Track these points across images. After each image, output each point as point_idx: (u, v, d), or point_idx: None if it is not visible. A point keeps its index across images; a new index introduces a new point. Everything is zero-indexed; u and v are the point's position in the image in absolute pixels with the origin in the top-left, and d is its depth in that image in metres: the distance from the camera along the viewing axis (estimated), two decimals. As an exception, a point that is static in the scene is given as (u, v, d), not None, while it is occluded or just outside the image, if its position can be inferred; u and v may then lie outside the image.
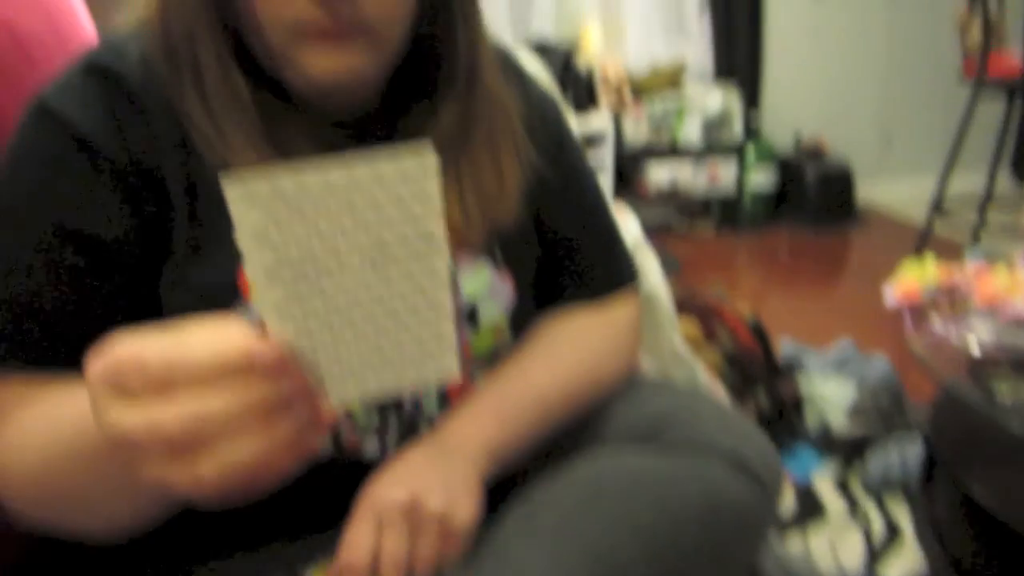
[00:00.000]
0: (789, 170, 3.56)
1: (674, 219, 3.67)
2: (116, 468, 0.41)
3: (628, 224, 1.20)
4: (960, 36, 2.79)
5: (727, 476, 0.58)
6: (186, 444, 0.32)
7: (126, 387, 0.32)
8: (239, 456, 0.32)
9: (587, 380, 0.67)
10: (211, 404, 0.32)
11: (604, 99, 3.35)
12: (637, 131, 3.40)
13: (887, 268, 2.70)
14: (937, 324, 1.25)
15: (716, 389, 1.38)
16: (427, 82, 0.63)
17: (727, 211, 3.61)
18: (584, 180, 0.74)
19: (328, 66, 0.53)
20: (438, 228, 0.36)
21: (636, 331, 0.74)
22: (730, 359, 1.59)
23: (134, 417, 0.32)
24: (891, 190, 3.90)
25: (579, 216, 0.73)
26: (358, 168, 0.33)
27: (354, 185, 0.33)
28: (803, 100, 3.75)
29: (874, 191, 3.82)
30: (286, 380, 0.34)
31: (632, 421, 0.65)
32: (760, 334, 1.64)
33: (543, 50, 3.16)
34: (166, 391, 0.32)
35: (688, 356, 1.28)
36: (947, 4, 3.62)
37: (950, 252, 2.55)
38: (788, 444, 1.62)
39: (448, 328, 0.39)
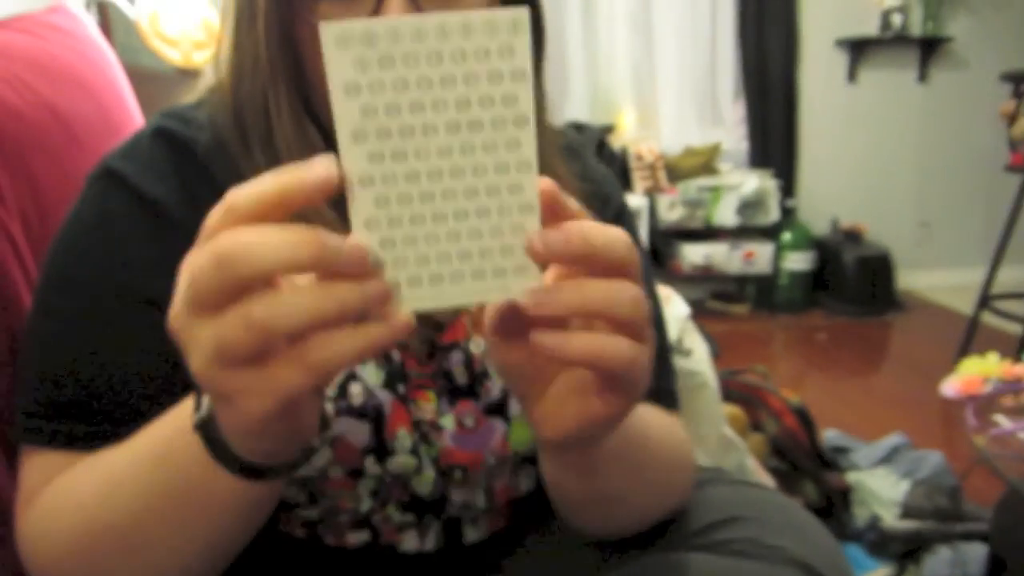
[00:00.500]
0: (826, 253, 3.53)
1: (707, 299, 3.63)
2: (184, 504, 0.41)
3: (675, 306, 1.17)
4: (1007, 125, 2.77)
5: None
6: (268, 345, 0.32)
7: (203, 301, 0.32)
8: (322, 355, 0.32)
9: (672, 457, 0.61)
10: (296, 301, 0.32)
11: (638, 178, 3.37)
12: (671, 211, 3.41)
13: (933, 358, 2.64)
14: (1002, 420, 1.18)
15: (764, 477, 1.31)
16: None
17: (763, 292, 3.57)
18: (646, 273, 0.71)
19: None
20: (524, 93, 0.34)
21: (691, 457, 0.68)
22: (775, 446, 1.53)
23: (216, 327, 0.32)
24: (931, 278, 3.83)
25: None
26: (449, 16, 0.33)
27: (442, 32, 0.33)
28: (839, 184, 3.75)
29: (914, 278, 3.76)
30: (367, 282, 0.33)
31: (699, 521, 0.60)
32: (806, 421, 1.58)
33: (578, 129, 3.21)
34: (247, 292, 0.32)
35: (737, 440, 1.23)
36: (983, 93, 3.64)
37: (999, 344, 2.47)
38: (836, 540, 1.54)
39: (533, 222, 0.35)
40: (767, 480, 1.31)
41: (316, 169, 0.32)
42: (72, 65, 0.74)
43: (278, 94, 0.52)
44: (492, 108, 0.34)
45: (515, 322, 0.37)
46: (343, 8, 0.50)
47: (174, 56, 1.22)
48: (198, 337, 0.32)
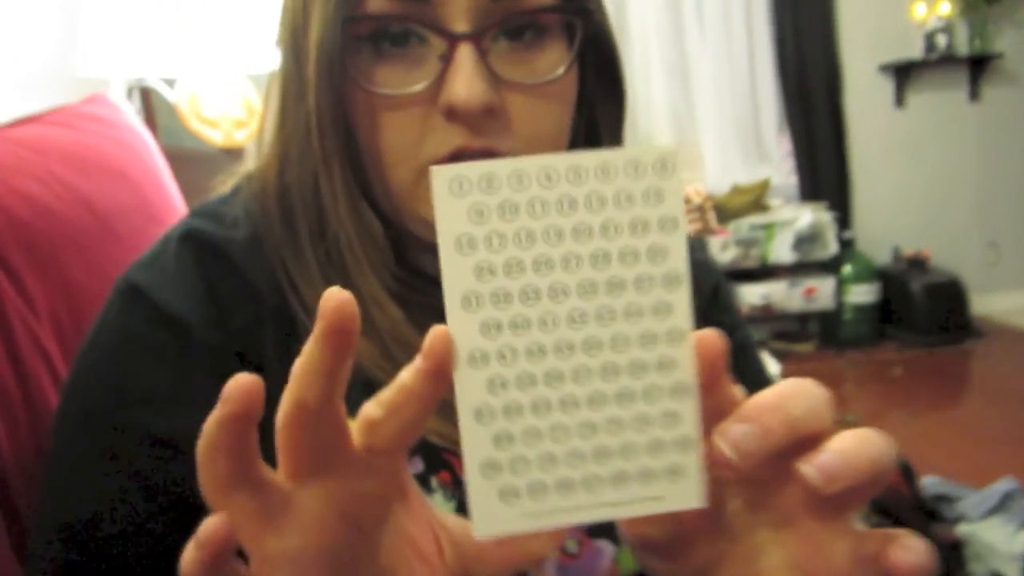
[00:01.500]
0: (891, 283, 3.37)
1: (769, 339, 3.49)
2: None
3: (769, 366, 1.07)
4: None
5: None
6: None
7: None
8: None
9: None
10: None
11: (687, 222, 3.29)
12: (724, 252, 3.31)
13: (1020, 383, 2.46)
14: None
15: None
16: None
17: (827, 328, 3.42)
18: (752, 350, 0.62)
19: None
20: (676, 246, 0.28)
21: None
22: (876, 504, 1.39)
23: None
24: (1006, 300, 3.64)
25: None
26: (584, 156, 0.28)
27: (576, 174, 0.28)
28: (898, 212, 3.61)
29: (988, 302, 3.57)
30: None
31: None
32: (906, 471, 1.45)
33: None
34: None
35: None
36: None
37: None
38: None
39: (689, 409, 0.28)
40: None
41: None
42: (110, 156, 0.70)
43: (332, 175, 0.45)
44: (636, 265, 0.28)
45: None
46: (404, 71, 0.44)
47: (215, 137, 1.20)
48: None
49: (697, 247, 0.63)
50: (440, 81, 0.42)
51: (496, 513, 0.28)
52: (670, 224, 0.28)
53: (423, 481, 0.46)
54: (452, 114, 0.43)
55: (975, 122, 3.62)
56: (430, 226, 0.46)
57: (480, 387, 0.28)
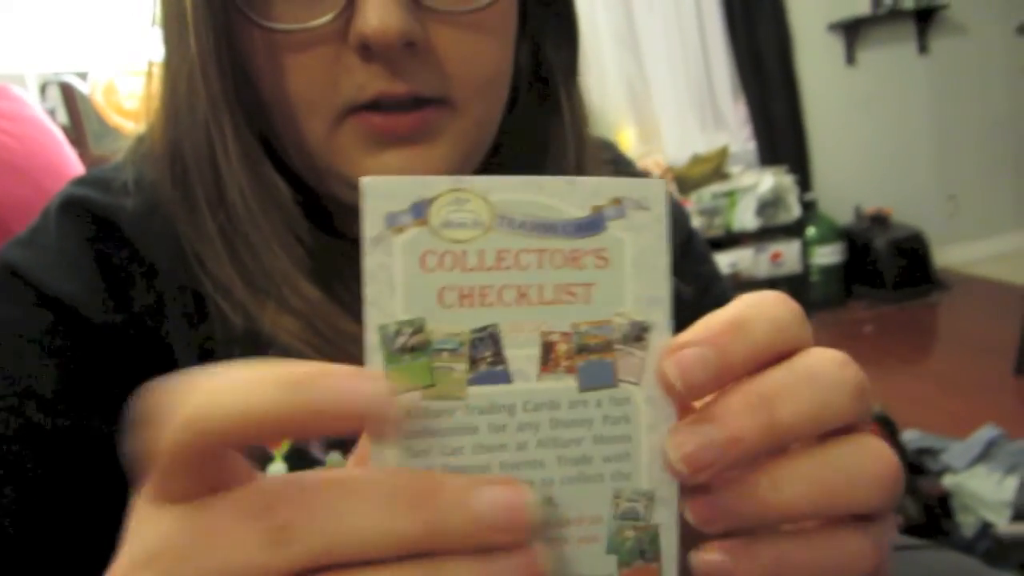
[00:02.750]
0: (856, 242, 3.38)
1: (740, 308, 3.48)
2: None
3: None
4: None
5: None
6: None
7: None
8: None
9: None
10: None
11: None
12: (688, 223, 3.28)
13: (993, 335, 2.47)
14: None
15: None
16: None
17: (795, 292, 3.40)
18: (726, 294, 0.57)
19: (400, 171, 0.38)
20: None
21: None
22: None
23: None
24: (967, 251, 3.67)
25: None
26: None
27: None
28: (857, 171, 3.62)
29: (950, 253, 3.60)
30: None
31: None
32: (889, 427, 1.43)
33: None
34: None
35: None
36: (990, 55, 3.53)
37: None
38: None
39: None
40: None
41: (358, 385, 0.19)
42: (7, 149, 0.63)
43: (223, 132, 0.38)
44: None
45: None
46: (305, 2, 0.37)
47: (134, 129, 1.12)
48: None
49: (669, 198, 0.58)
50: (350, 11, 0.36)
51: None
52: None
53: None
54: (367, 51, 0.36)
55: (926, 75, 3.63)
56: (352, 184, 0.40)
57: None
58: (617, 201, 0.22)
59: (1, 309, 0.39)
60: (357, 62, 0.37)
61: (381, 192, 0.21)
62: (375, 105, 0.38)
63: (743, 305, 0.23)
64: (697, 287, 0.54)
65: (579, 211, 0.22)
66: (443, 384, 0.21)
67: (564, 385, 0.22)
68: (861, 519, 0.23)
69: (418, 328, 0.21)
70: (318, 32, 0.37)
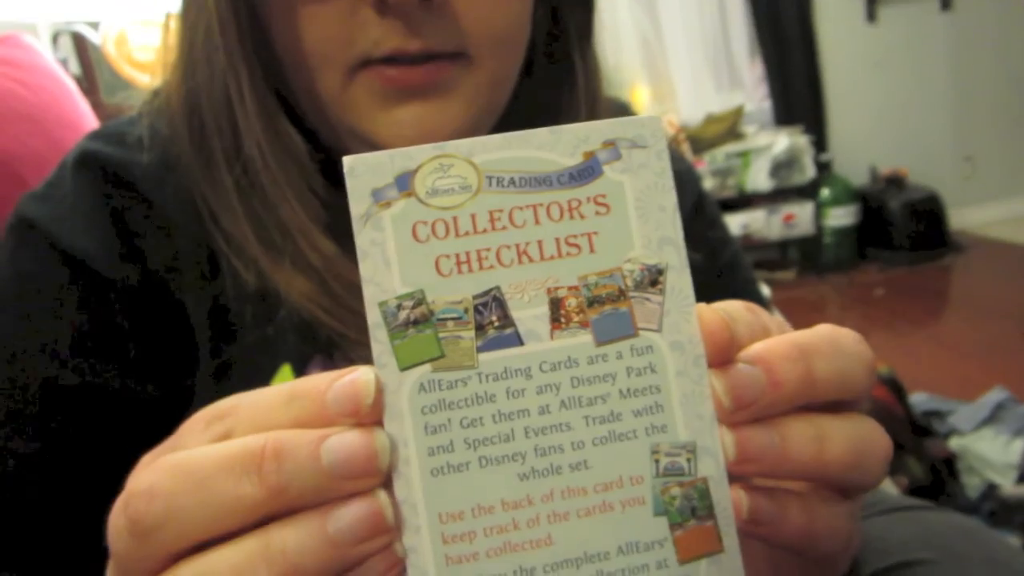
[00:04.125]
0: (870, 203, 3.34)
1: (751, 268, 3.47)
2: None
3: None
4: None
5: None
6: None
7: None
8: None
9: None
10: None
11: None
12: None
13: (1007, 298, 2.46)
14: None
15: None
16: None
17: (808, 254, 3.39)
18: (744, 270, 0.57)
19: (413, 127, 0.38)
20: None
21: None
22: (868, 423, 1.37)
23: None
24: (983, 213, 3.63)
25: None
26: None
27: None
28: (874, 131, 3.56)
29: (965, 216, 3.56)
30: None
31: (862, 571, 0.46)
32: (898, 389, 1.43)
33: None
34: None
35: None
36: (1014, 14, 3.44)
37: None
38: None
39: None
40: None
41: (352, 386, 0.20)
42: (19, 99, 0.63)
43: (240, 84, 0.38)
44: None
45: None
46: None
47: (150, 82, 1.11)
48: None
49: (676, 157, 0.57)
50: None
51: None
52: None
53: None
54: (383, 4, 0.36)
55: (947, 32, 3.55)
56: (366, 140, 0.40)
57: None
58: (610, 143, 0.21)
59: (19, 263, 0.39)
60: (373, 16, 0.37)
61: (363, 169, 0.21)
62: (391, 60, 0.38)
63: (812, 334, 0.23)
64: (707, 251, 0.53)
65: (570, 159, 0.21)
66: (452, 355, 0.21)
67: (579, 341, 0.21)
68: (843, 494, 0.24)
69: (418, 300, 0.21)
70: None
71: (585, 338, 0.21)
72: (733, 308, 0.23)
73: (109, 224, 0.40)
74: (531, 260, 0.21)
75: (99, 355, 0.39)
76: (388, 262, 0.21)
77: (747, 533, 0.22)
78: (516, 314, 0.21)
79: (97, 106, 0.96)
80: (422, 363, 0.20)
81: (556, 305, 0.21)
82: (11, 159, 0.56)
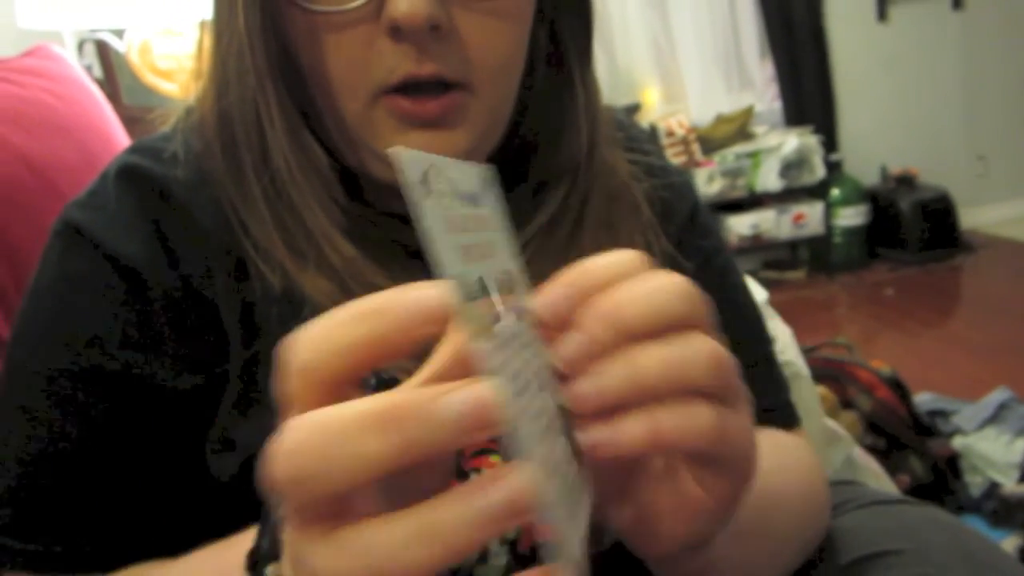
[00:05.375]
0: (880, 203, 3.34)
1: (760, 269, 3.48)
2: None
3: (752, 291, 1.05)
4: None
5: None
6: None
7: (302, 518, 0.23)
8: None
9: (804, 504, 0.50)
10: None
11: (671, 155, 3.24)
12: (711, 184, 3.26)
13: (1012, 296, 2.46)
14: None
15: (870, 464, 1.19)
16: (524, 162, 0.51)
17: (817, 254, 3.40)
18: (734, 276, 0.59)
19: (422, 147, 0.42)
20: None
21: (825, 488, 0.54)
22: (871, 423, 1.40)
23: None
24: (995, 212, 3.62)
25: (734, 324, 0.49)
26: None
27: None
28: (884, 130, 3.56)
29: (976, 215, 3.55)
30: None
31: (838, 559, 0.48)
32: (901, 389, 1.45)
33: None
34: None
35: (842, 432, 1.11)
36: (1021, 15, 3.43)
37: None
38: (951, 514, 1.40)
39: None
40: (877, 469, 1.19)
41: (422, 297, 0.22)
42: (52, 110, 0.67)
43: (267, 100, 0.42)
44: None
45: None
46: None
47: (172, 89, 1.15)
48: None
49: (674, 171, 0.60)
50: None
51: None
52: None
53: None
54: (397, 33, 0.40)
55: (959, 32, 3.54)
56: (382, 159, 0.43)
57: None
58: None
59: (69, 264, 0.43)
60: (388, 44, 0.40)
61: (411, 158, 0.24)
62: (404, 88, 0.41)
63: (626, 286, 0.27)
64: (700, 260, 0.56)
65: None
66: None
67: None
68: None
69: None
70: (353, 14, 0.40)
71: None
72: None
73: (149, 232, 0.44)
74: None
75: (141, 348, 0.42)
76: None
77: (594, 455, 0.26)
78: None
79: (118, 109, 1.00)
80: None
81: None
82: (47, 168, 0.59)
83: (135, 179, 0.45)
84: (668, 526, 0.30)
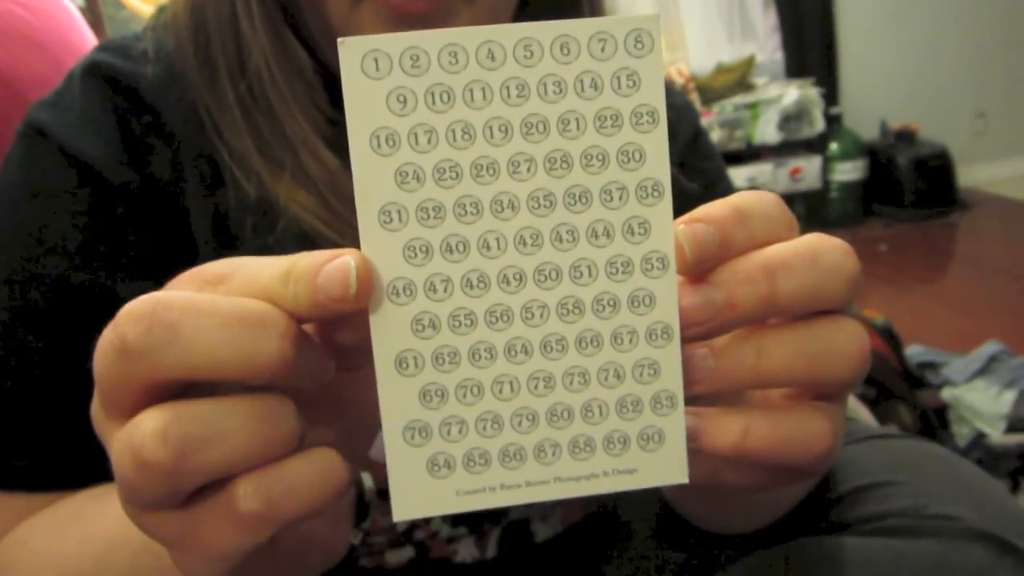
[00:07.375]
0: (879, 158, 3.31)
1: (756, 223, 3.46)
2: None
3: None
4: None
5: (991, 564, 0.41)
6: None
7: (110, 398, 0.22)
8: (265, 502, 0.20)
9: None
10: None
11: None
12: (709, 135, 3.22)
13: (1011, 255, 2.45)
14: None
15: (861, 411, 1.19)
16: None
17: (813, 209, 3.38)
18: (732, 190, 0.58)
19: None
20: (656, 147, 0.22)
21: None
22: (862, 372, 1.39)
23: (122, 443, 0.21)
24: (993, 170, 3.60)
25: None
26: (538, 27, 0.21)
27: (527, 51, 0.21)
28: (886, 85, 3.51)
29: (974, 173, 3.53)
30: None
31: (837, 489, 0.48)
32: (894, 340, 1.44)
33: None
34: None
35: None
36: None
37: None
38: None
39: (671, 360, 0.23)
40: (868, 417, 1.19)
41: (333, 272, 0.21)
42: (22, 21, 0.64)
43: (250, 10, 0.39)
44: (604, 170, 0.22)
45: None
46: None
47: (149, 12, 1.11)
48: (112, 449, 0.21)
49: (676, 92, 0.58)
50: None
51: (423, 489, 0.22)
52: (647, 118, 0.22)
53: None
54: None
55: (966, -13, 3.48)
56: None
57: (404, 328, 0.21)
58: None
59: (29, 168, 0.41)
60: None
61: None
62: None
63: (744, 198, 0.24)
64: (704, 182, 0.55)
65: None
66: None
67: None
68: (823, 400, 0.25)
69: None
70: None
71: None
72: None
73: (115, 130, 0.41)
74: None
75: (105, 256, 0.40)
76: None
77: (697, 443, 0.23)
78: None
79: (100, 37, 0.96)
80: None
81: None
82: (13, 80, 0.57)
83: (102, 76, 0.43)
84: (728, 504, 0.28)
